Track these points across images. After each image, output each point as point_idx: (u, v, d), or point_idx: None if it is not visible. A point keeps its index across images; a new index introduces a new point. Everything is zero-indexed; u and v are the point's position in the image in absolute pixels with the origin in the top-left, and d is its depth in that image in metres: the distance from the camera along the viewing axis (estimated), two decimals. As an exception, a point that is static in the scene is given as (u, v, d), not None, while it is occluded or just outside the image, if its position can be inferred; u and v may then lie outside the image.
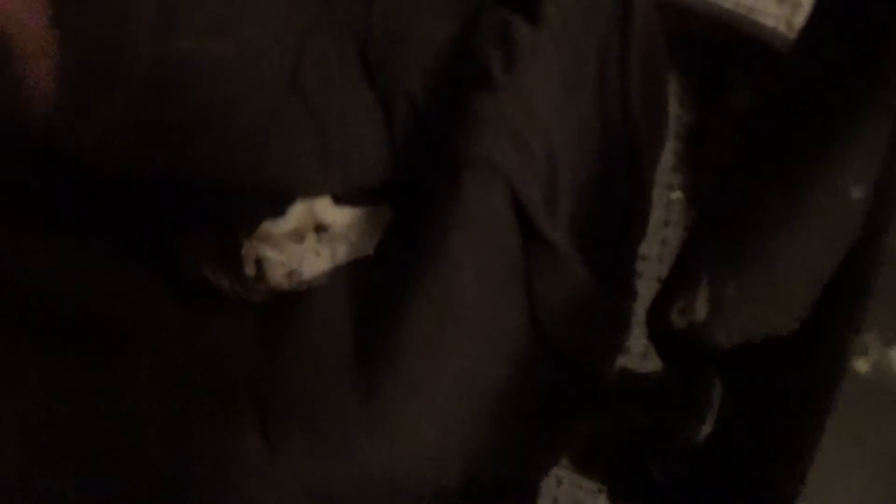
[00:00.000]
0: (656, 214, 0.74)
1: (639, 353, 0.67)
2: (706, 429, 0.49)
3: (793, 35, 0.77)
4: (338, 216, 0.55)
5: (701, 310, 0.51)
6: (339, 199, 0.55)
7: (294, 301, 0.51)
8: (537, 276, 0.47)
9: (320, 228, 0.55)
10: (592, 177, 0.52)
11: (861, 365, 0.41)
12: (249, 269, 0.54)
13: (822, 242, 0.50)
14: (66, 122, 0.48)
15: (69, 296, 0.50)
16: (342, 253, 0.55)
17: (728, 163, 0.74)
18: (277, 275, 0.54)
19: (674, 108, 0.81)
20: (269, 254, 0.55)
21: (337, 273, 0.53)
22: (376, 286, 0.48)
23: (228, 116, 0.49)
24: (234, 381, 0.46)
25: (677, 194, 0.80)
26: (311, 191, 0.51)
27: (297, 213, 0.55)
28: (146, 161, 0.49)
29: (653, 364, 0.56)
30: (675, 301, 0.53)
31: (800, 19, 0.77)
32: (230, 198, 0.54)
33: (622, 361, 0.55)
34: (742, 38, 0.78)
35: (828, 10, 0.53)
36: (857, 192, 0.48)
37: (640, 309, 0.53)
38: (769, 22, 0.77)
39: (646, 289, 0.55)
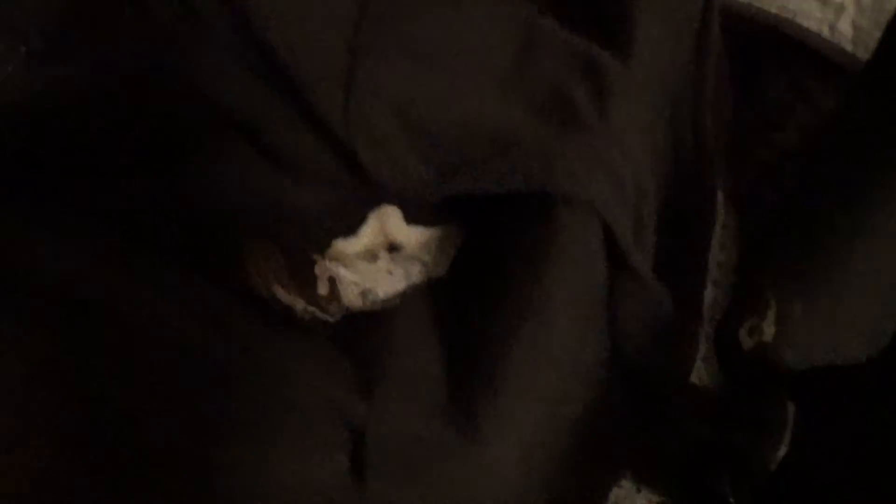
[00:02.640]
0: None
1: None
2: (783, 450, 0.52)
3: (835, 39, 0.80)
4: (410, 235, 0.58)
5: (769, 330, 0.55)
6: (410, 219, 0.58)
7: (374, 325, 0.53)
8: (621, 305, 0.50)
9: (393, 248, 0.58)
10: (667, 199, 0.55)
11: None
12: (323, 289, 0.57)
13: (890, 267, 0.53)
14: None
15: (145, 324, 0.52)
16: (415, 273, 0.58)
17: (774, 164, 0.77)
18: (351, 294, 0.57)
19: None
20: (343, 273, 0.57)
21: (415, 296, 0.56)
22: (461, 314, 0.51)
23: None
24: (323, 408, 0.48)
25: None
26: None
27: (369, 232, 0.58)
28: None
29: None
30: (744, 321, 0.56)
31: (844, 23, 0.80)
32: (301, 216, 0.57)
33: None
34: (783, 38, 0.80)
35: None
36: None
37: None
38: (812, 25, 0.80)
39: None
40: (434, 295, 0.54)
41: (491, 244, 0.53)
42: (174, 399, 0.50)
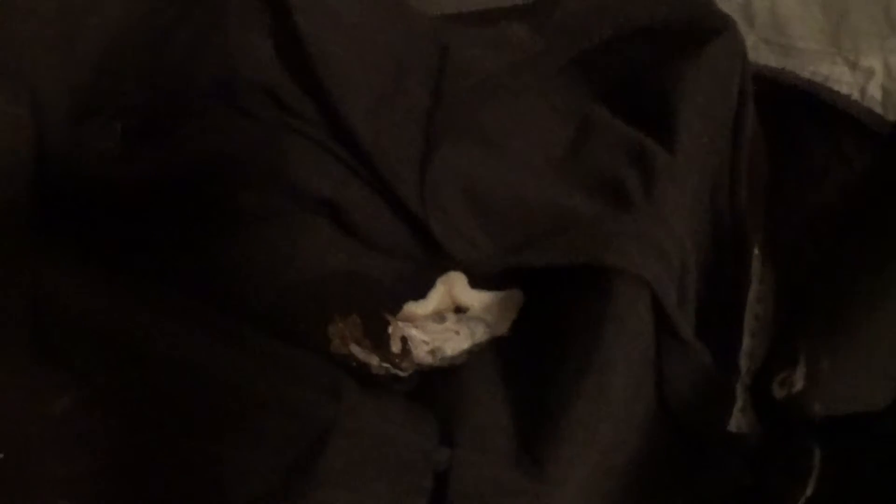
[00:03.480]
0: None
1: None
2: (808, 492, 0.62)
3: (865, 102, 0.89)
4: (475, 299, 0.68)
5: (798, 382, 0.64)
6: (475, 283, 0.69)
7: (447, 382, 0.63)
8: (666, 363, 0.60)
9: (459, 310, 0.68)
10: (707, 268, 0.65)
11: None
12: (395, 347, 0.67)
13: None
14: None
15: (237, 386, 0.60)
16: (480, 332, 0.67)
17: (812, 221, 0.85)
18: (421, 352, 0.67)
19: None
20: (414, 333, 0.68)
21: (481, 354, 0.66)
22: (525, 370, 0.61)
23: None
24: (412, 456, 0.57)
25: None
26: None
27: (437, 296, 0.68)
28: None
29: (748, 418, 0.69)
30: (777, 374, 0.66)
31: (873, 87, 0.89)
32: (377, 284, 0.68)
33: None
34: (817, 101, 0.90)
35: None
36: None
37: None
38: (843, 89, 0.89)
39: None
40: (498, 352, 0.64)
41: (550, 308, 0.63)
42: (271, 450, 0.59)
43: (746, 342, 0.73)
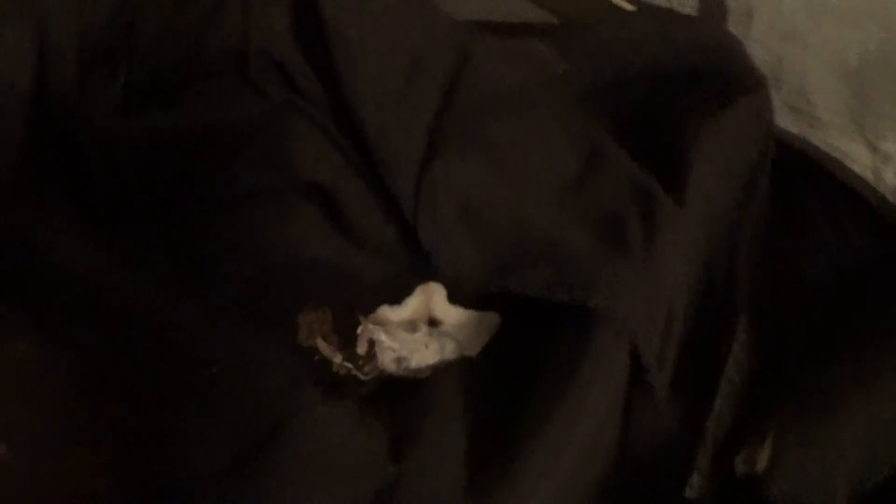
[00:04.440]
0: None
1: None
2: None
3: (879, 186, 0.90)
4: (450, 314, 0.68)
5: (762, 461, 0.65)
6: (453, 299, 0.69)
7: (407, 395, 0.63)
8: (635, 420, 0.60)
9: (433, 322, 0.69)
10: (691, 326, 0.66)
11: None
12: (361, 348, 0.67)
13: (882, 428, 0.64)
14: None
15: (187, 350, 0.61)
16: (449, 349, 0.67)
17: (802, 294, 0.85)
18: (387, 358, 0.67)
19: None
20: (383, 337, 0.68)
21: (446, 372, 0.66)
22: (490, 398, 0.61)
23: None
24: (356, 466, 0.57)
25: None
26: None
27: (414, 304, 0.69)
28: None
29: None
30: (741, 449, 0.66)
31: (889, 172, 0.90)
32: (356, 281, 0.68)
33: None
34: (828, 176, 0.90)
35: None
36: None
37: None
38: (858, 168, 0.90)
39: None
40: (464, 374, 0.65)
41: (528, 335, 0.63)
42: (229, 429, 0.59)
43: (717, 401, 0.73)
